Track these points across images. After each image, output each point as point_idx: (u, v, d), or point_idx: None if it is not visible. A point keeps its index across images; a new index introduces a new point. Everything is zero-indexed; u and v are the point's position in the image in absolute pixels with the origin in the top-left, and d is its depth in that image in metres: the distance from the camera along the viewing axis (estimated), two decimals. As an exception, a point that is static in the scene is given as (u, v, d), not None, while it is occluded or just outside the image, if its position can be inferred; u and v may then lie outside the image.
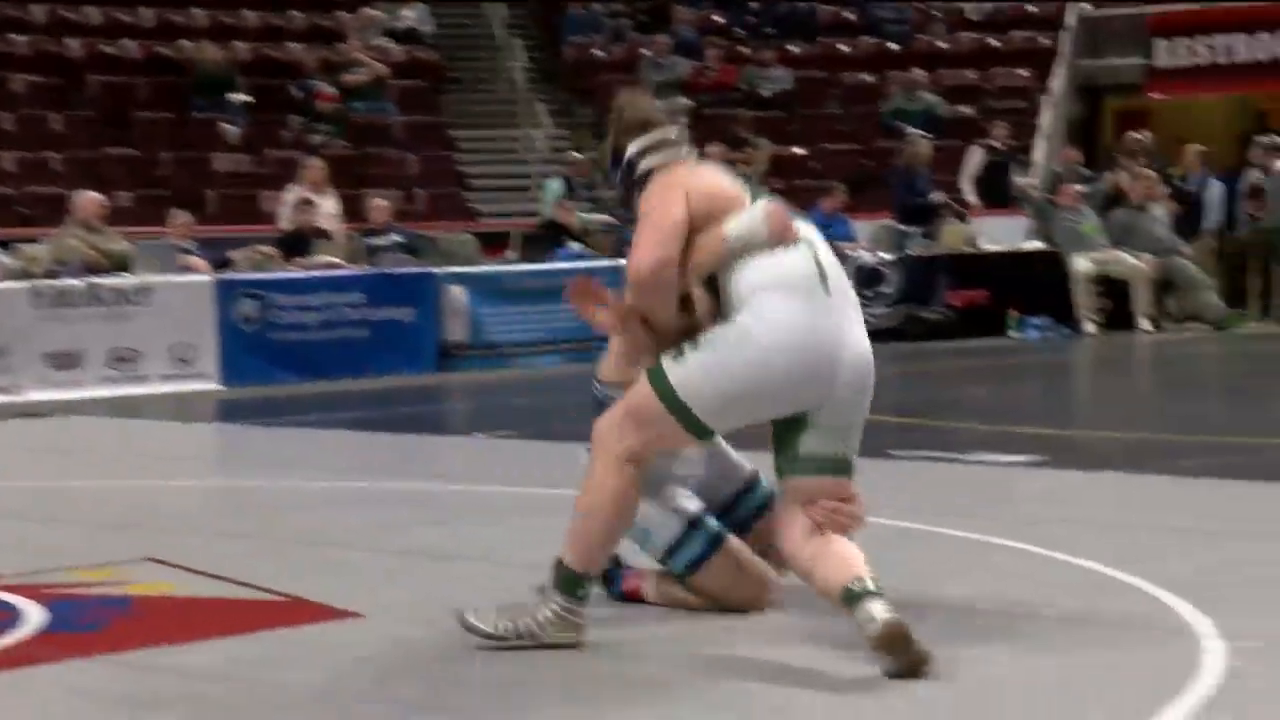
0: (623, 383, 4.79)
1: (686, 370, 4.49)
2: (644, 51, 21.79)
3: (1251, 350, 15.28)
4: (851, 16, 23.23)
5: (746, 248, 4.49)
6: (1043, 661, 4.46)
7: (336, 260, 14.94)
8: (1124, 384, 13.84)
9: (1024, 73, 21.97)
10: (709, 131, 19.92)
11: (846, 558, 4.43)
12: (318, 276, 14.41)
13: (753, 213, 4.52)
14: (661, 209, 4.53)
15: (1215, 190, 18.03)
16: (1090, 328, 16.71)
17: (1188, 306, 17.21)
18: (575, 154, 19.12)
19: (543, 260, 15.56)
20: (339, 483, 8.36)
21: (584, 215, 17.29)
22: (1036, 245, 17.65)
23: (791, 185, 19.87)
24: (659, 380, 4.52)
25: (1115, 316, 16.82)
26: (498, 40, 22.72)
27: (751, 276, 4.51)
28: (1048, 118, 20.82)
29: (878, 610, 4.23)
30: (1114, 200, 17.53)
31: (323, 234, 15.45)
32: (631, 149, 4.70)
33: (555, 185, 18.09)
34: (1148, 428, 9.93)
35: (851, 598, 4.30)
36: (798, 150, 20.50)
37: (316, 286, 14.17)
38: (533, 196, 19.44)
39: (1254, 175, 17.98)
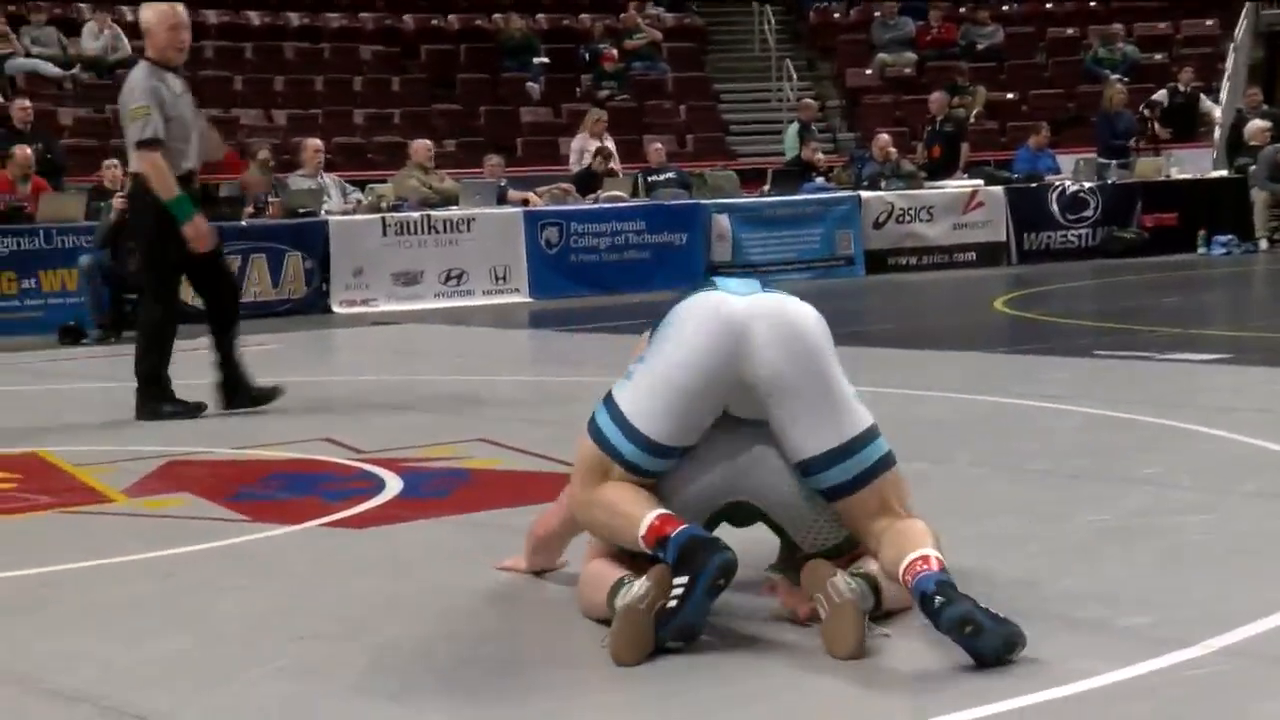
0: None
1: None
2: (876, 14, 21.35)
3: None
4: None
5: None
6: (1237, 526, 4.33)
7: (621, 194, 15.02)
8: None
9: (1210, 22, 21.04)
10: (933, 81, 19.53)
11: None
12: (606, 208, 14.50)
13: None
14: None
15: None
16: (1266, 245, 16.08)
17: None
18: (809, 100, 18.89)
19: (792, 192, 15.43)
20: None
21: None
22: (1220, 173, 17.04)
23: (1004, 126, 19.37)
24: None
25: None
26: (751, 7, 22.48)
27: None
28: (1232, 62, 19.91)
29: None
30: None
31: (610, 173, 15.53)
32: None
33: (792, 129, 17.91)
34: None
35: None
36: (1008, 96, 20.00)
37: (606, 216, 14.27)
38: (782, 139, 19.28)
39: None
